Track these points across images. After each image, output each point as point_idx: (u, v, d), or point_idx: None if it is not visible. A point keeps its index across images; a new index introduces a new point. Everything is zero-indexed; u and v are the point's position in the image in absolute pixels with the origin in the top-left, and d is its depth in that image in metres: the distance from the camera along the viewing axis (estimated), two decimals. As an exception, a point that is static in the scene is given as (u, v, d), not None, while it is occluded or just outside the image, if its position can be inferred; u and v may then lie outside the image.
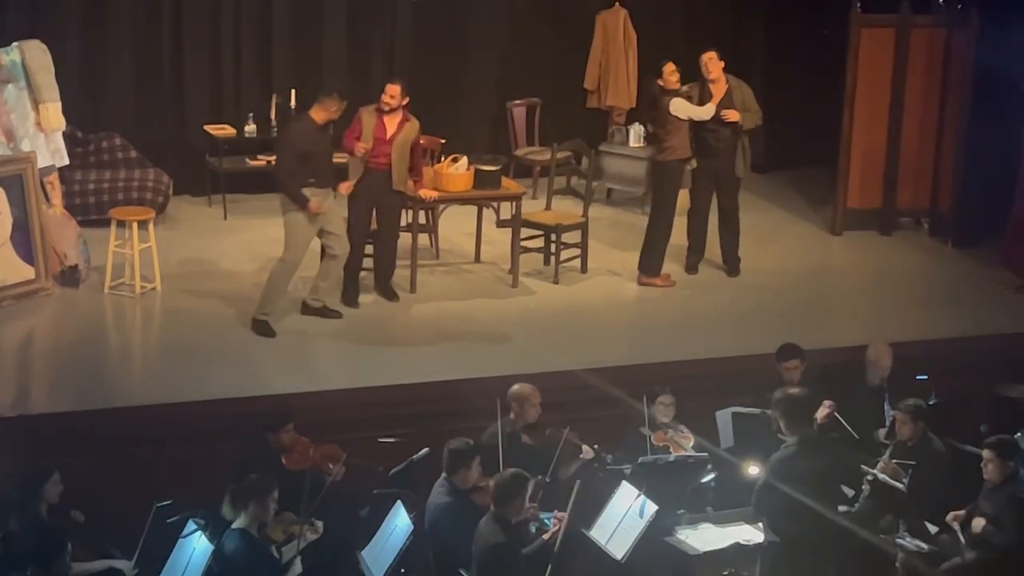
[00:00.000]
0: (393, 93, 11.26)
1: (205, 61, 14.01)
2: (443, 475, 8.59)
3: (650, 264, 12.31)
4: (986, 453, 8.79)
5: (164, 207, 13.14)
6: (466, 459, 8.53)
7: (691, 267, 12.64)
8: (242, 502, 8.19)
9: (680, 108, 11.92)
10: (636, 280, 12.33)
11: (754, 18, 15.58)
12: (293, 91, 13.71)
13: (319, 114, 10.98)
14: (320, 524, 8.66)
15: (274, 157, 11.60)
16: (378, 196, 11.43)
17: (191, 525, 8.16)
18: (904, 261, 13.34)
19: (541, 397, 9.32)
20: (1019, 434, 9.50)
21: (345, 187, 11.36)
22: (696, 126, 12.04)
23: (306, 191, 10.85)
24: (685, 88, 12.03)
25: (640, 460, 9.40)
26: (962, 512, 8.84)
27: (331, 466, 9.10)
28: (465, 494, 8.56)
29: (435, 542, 8.44)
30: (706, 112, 11.98)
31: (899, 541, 8.90)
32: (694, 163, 12.22)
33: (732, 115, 12.05)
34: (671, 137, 11.96)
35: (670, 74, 11.91)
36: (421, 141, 11.83)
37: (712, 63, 12.09)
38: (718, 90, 12.14)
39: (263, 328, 10.97)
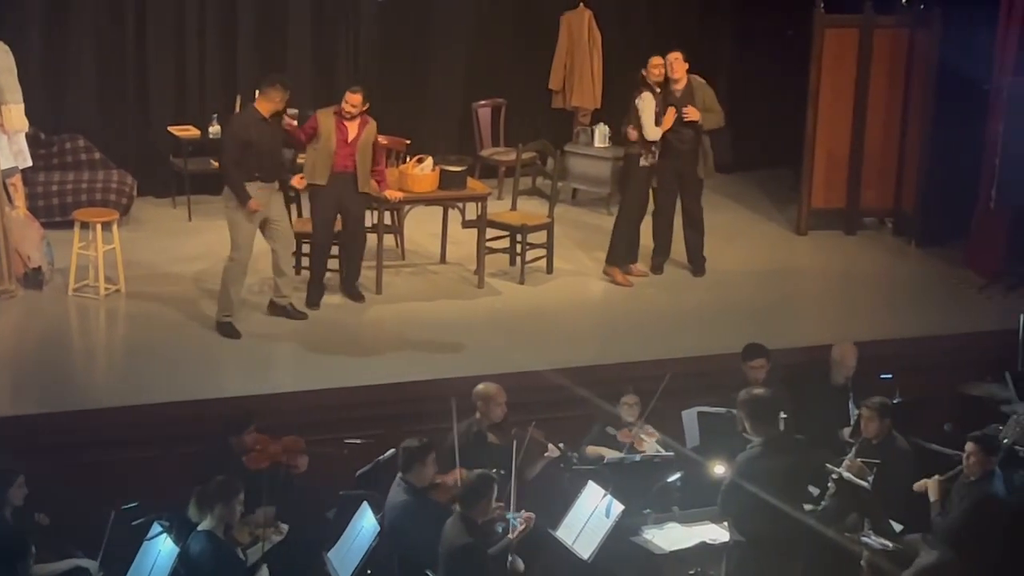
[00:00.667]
0: (354, 103, 11.27)
1: (169, 62, 13.95)
2: (399, 475, 8.61)
3: (611, 254, 12.40)
4: (969, 447, 8.82)
5: (128, 209, 13.09)
6: (419, 456, 8.56)
7: (657, 267, 12.67)
8: (208, 504, 8.18)
9: (643, 106, 11.99)
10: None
11: (719, 19, 15.62)
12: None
13: (263, 105, 10.92)
14: (285, 526, 8.64)
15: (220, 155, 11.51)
16: (343, 199, 11.42)
17: (156, 527, 8.15)
18: (868, 261, 13.39)
19: (507, 397, 9.33)
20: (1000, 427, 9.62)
21: (298, 179, 11.37)
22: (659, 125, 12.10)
23: (252, 186, 10.80)
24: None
25: (606, 460, 9.42)
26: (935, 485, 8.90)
27: (296, 461, 9.11)
28: (422, 492, 8.58)
29: (396, 542, 8.45)
30: (650, 132, 11.99)
31: (864, 539, 8.93)
32: (650, 160, 12.18)
33: (692, 114, 12.07)
34: (638, 128, 12.02)
35: (654, 67, 12.02)
36: (384, 141, 11.85)
37: (677, 63, 12.12)
38: (679, 90, 12.15)
39: (227, 330, 10.95)
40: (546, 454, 9.32)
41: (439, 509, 8.50)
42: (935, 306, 12.30)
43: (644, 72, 12.08)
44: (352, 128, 11.31)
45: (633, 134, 12.06)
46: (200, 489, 8.28)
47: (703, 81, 12.33)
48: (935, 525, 8.83)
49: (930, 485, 8.93)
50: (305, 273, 11.72)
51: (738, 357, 10.23)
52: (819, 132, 13.78)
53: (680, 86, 12.16)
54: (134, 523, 8.31)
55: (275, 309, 11.32)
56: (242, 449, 9.06)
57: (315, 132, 11.32)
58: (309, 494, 9.15)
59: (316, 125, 11.33)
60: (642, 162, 12.12)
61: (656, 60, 12.05)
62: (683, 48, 12.23)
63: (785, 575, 8.15)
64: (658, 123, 12.00)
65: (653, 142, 12.06)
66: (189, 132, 13.69)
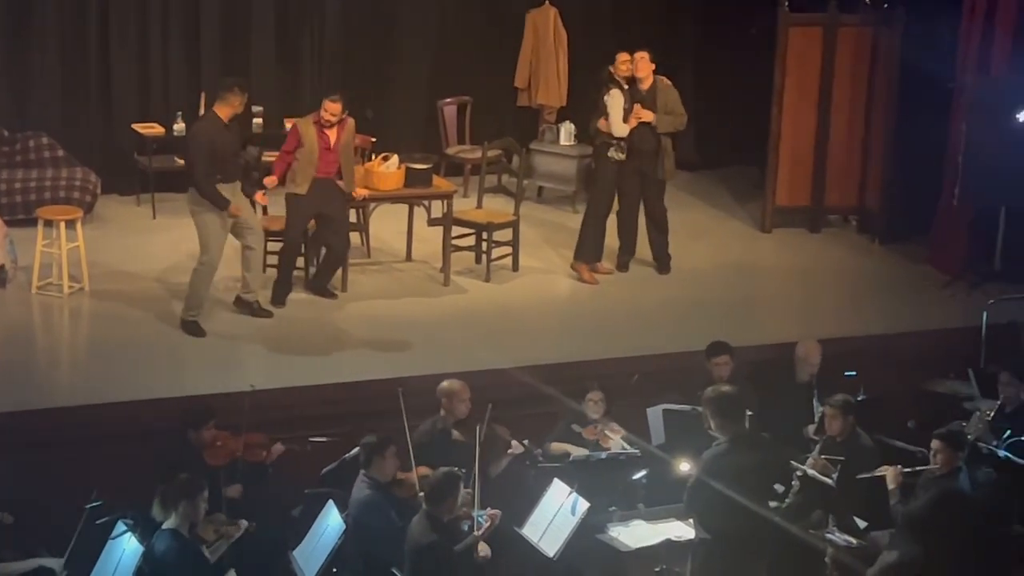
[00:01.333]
0: (334, 111, 11.27)
1: (133, 59, 13.89)
2: (361, 471, 8.61)
3: (579, 250, 12.44)
4: (935, 444, 8.85)
5: (92, 206, 13.03)
6: (378, 450, 8.58)
7: (622, 265, 12.69)
8: (172, 502, 8.15)
9: (612, 103, 12.05)
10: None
11: (684, 17, 15.65)
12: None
13: (223, 110, 10.87)
14: (244, 522, 8.61)
15: (186, 159, 11.42)
16: (325, 202, 11.44)
17: (120, 526, 8.11)
18: (832, 258, 13.44)
19: (472, 395, 9.34)
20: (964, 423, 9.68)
21: (268, 180, 11.40)
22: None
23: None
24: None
25: (572, 457, 9.43)
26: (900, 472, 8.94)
27: (263, 453, 9.11)
28: (385, 487, 8.58)
29: (359, 537, 8.46)
30: (618, 129, 12.05)
31: (828, 536, 8.97)
32: (619, 154, 12.21)
33: (645, 115, 12.09)
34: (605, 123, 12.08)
35: (621, 63, 12.11)
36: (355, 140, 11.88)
37: (642, 62, 12.14)
38: (644, 90, 12.17)
39: (192, 328, 10.92)
40: (510, 450, 9.34)
41: (402, 505, 8.51)
42: (899, 303, 12.36)
43: (612, 68, 12.12)
44: (332, 134, 11.32)
45: (604, 124, 12.09)
46: (163, 487, 8.26)
47: (669, 83, 12.34)
48: (894, 513, 8.87)
49: (889, 473, 8.97)
50: (271, 271, 11.68)
51: (703, 355, 10.26)
52: (783, 130, 13.83)
53: (645, 85, 12.18)
54: (98, 522, 8.28)
55: (241, 305, 11.29)
56: (201, 444, 9.05)
57: (298, 143, 11.30)
58: (276, 489, 9.14)
59: (298, 137, 11.31)
60: (611, 154, 12.15)
61: (623, 56, 12.13)
62: (649, 47, 12.25)
63: (750, 572, 8.17)
64: (625, 120, 12.03)
65: (621, 138, 12.08)
66: (153, 130, 13.64)
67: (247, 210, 11.14)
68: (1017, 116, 12.35)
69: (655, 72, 12.22)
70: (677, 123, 12.27)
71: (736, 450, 8.11)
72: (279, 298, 11.51)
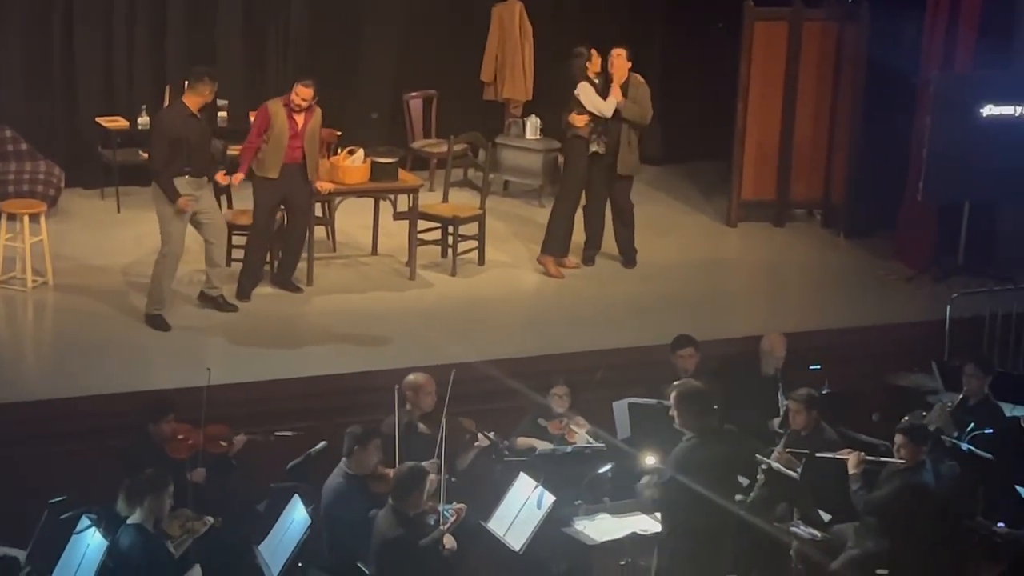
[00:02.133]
0: (305, 96, 11.23)
1: (97, 52, 13.82)
2: (342, 460, 8.61)
3: (547, 243, 12.45)
4: (898, 439, 8.89)
5: (56, 200, 12.96)
6: (360, 441, 8.56)
7: (588, 259, 12.70)
8: (137, 498, 8.11)
9: (583, 93, 12.07)
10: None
11: (650, 11, 15.66)
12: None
13: (192, 100, 10.83)
14: (210, 519, 8.58)
15: (148, 146, 11.40)
16: (291, 190, 11.40)
17: (84, 521, 8.08)
18: (797, 252, 13.48)
19: (438, 388, 9.33)
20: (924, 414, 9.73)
21: (236, 177, 11.32)
22: (593, 117, 12.11)
23: (181, 181, 10.73)
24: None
25: (538, 451, 9.44)
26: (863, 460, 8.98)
27: (224, 444, 9.08)
28: (360, 479, 8.57)
29: (328, 526, 8.45)
30: (607, 107, 12.07)
31: (793, 529, 9.01)
32: (601, 145, 12.24)
33: (617, 92, 12.07)
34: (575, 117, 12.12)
35: (593, 61, 12.10)
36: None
37: (619, 60, 12.18)
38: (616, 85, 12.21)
39: (157, 322, 10.88)
40: (476, 444, 9.34)
41: (374, 499, 8.49)
42: (863, 297, 12.40)
43: (583, 64, 12.13)
44: (300, 119, 11.29)
45: (580, 119, 12.08)
46: (128, 483, 8.22)
47: (642, 80, 12.37)
48: (855, 500, 8.91)
49: (851, 458, 9.01)
50: (236, 264, 11.65)
51: (668, 349, 10.28)
52: (749, 125, 13.86)
53: (618, 81, 12.20)
54: (63, 517, 8.24)
55: (206, 300, 11.26)
56: (161, 438, 9.01)
57: (268, 125, 11.24)
58: (241, 485, 9.12)
59: (268, 117, 11.25)
60: (593, 148, 12.17)
61: (594, 55, 12.13)
62: (625, 44, 12.26)
63: (716, 565, 8.19)
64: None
65: (603, 129, 12.07)
66: (118, 123, 13.57)
67: (211, 205, 11.08)
68: (980, 111, 12.43)
69: (630, 71, 12.25)
70: (641, 115, 12.25)
71: (704, 444, 8.13)
72: (245, 290, 11.45)
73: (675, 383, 8.73)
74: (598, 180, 12.42)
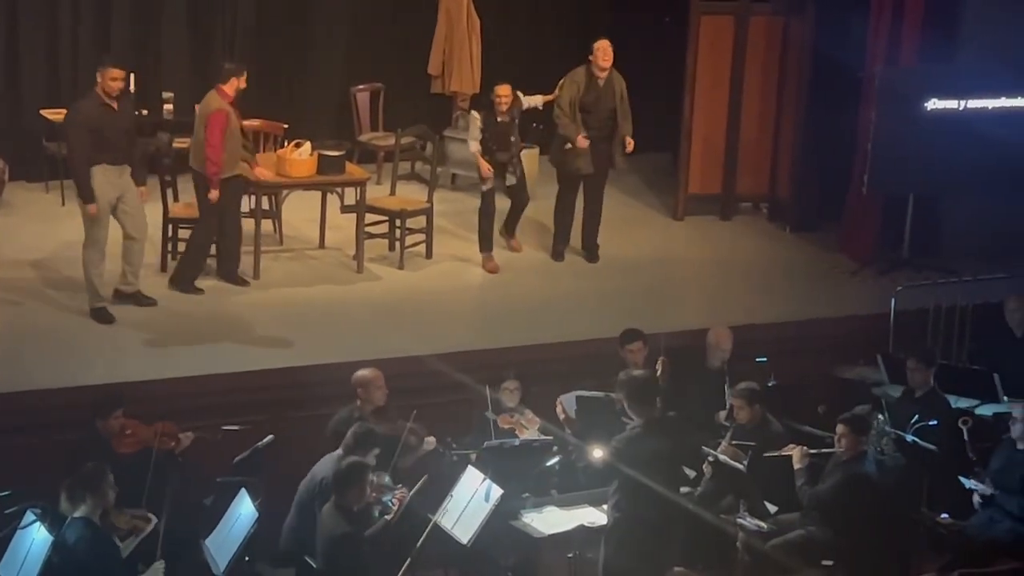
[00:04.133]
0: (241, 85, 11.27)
1: (42, 43, 13.70)
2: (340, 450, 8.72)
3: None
4: (840, 428, 8.97)
5: (0, 193, 12.86)
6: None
7: (557, 255, 12.69)
8: (79, 496, 8.04)
9: (527, 100, 12.41)
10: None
11: (597, 5, 15.66)
12: (132, 75, 13.45)
13: (104, 88, 10.76)
14: (154, 518, 8.53)
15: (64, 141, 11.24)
16: (234, 185, 11.40)
17: (29, 515, 8.02)
18: (744, 246, 13.54)
19: (387, 382, 9.33)
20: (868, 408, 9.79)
21: (212, 194, 11.21)
22: (581, 112, 12.30)
23: (99, 169, 10.64)
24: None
25: (486, 444, 9.45)
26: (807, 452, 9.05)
27: (172, 442, 9.04)
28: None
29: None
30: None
31: (740, 521, 9.06)
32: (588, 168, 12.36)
33: (630, 145, 12.42)
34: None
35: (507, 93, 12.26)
36: (258, 124, 11.97)
37: (606, 51, 12.29)
38: (602, 78, 12.38)
39: (101, 315, 10.81)
40: (424, 446, 9.35)
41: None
42: (809, 290, 12.47)
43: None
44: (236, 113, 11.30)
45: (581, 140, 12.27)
46: (68, 482, 8.14)
47: (620, 76, 12.47)
48: (800, 494, 8.98)
49: (795, 453, 9.07)
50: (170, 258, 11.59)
51: (617, 342, 10.30)
52: (695, 118, 13.90)
53: (604, 74, 12.32)
54: (7, 512, 8.18)
55: (122, 297, 11.09)
56: (108, 433, 8.96)
57: (227, 123, 11.19)
58: (187, 478, 9.09)
59: (227, 118, 11.18)
60: (581, 143, 12.25)
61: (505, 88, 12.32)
62: (609, 36, 12.37)
63: (662, 556, 8.23)
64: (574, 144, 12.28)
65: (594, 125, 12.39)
66: (62, 115, 13.41)
67: (132, 198, 10.91)
68: (925, 105, 12.52)
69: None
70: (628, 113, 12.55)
71: (649, 434, 8.16)
72: (188, 282, 11.36)
73: (622, 372, 8.76)
74: (570, 175, 12.50)
